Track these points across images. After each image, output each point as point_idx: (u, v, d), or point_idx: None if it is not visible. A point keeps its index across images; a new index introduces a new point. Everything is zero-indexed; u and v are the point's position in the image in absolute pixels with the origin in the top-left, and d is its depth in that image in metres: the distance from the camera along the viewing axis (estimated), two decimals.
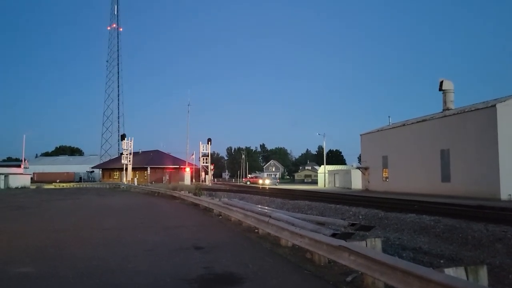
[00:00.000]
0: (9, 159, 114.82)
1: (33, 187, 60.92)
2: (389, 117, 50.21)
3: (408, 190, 36.42)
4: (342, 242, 7.08)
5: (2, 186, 57.57)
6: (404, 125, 43.42)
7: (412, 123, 41.43)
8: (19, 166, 76.15)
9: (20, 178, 62.53)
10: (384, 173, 45.13)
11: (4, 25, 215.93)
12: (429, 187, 34.74)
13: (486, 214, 15.78)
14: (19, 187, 57.89)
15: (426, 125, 38.90)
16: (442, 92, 41.11)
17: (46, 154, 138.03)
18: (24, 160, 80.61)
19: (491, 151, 29.51)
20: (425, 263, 8.83)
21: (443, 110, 40.19)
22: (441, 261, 9.50)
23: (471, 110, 33.09)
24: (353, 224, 10.61)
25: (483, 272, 5.42)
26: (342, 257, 6.86)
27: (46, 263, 8.54)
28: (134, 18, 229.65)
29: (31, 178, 70.79)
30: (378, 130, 49.14)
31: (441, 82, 41.11)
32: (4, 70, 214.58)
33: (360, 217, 17.20)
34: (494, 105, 30.18)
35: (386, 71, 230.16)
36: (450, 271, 5.21)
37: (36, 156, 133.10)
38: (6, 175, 60.64)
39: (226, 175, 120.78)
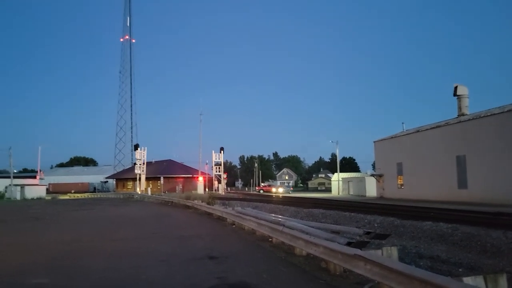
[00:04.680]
0: (25, 170, 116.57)
1: (49, 198, 61.55)
2: (402, 123, 49.87)
3: (423, 197, 35.91)
4: (358, 251, 6.97)
5: (18, 197, 58.34)
6: (418, 131, 42.98)
7: (427, 129, 40.99)
8: (34, 177, 77.28)
9: (35, 189, 63.34)
10: (399, 180, 44.65)
11: (18, 41, 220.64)
12: (446, 194, 34.23)
13: (505, 221, 15.40)
14: (34, 198, 58.50)
15: (441, 131, 38.46)
16: (456, 97, 40.68)
17: (61, 165, 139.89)
18: (40, 171, 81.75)
19: (508, 156, 28.99)
20: (443, 272, 8.64)
21: (458, 115, 39.74)
22: (460, 270, 9.29)
23: (487, 115, 32.62)
24: (368, 233, 10.47)
25: (503, 281, 5.29)
26: (357, 266, 6.75)
27: (61, 274, 8.55)
28: (146, 28, 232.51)
29: (47, 189, 71.76)
30: (392, 137, 48.73)
31: (456, 88, 40.69)
32: (19, 84, 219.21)
33: (376, 225, 16.98)
34: (511, 110, 29.71)
35: (400, 77, 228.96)
36: (469, 280, 5.10)
37: (51, 167, 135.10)
38: (22, 186, 61.51)
39: (239, 183, 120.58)
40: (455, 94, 40.76)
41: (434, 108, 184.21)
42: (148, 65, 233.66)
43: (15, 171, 74.66)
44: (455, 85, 40.96)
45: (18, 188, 60.68)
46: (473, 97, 42.54)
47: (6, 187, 63.10)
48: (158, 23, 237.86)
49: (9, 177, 65.80)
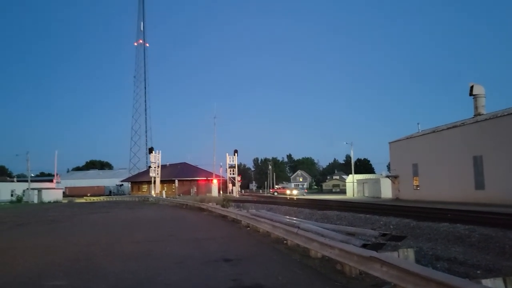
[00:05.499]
0: (42, 174, 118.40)
1: (65, 201, 62.46)
2: (418, 124, 49.24)
3: (440, 198, 35.45)
4: (373, 253, 6.92)
5: (36, 201, 59.32)
6: (434, 132, 42.49)
7: (443, 130, 40.49)
8: (51, 181, 78.51)
9: (52, 193, 64.37)
10: (414, 182, 44.16)
11: (34, 48, 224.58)
12: (462, 195, 33.74)
13: None
14: (51, 201, 59.48)
15: (457, 131, 37.95)
16: (472, 97, 40.09)
17: (77, 169, 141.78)
18: (56, 175, 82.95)
19: None
20: (461, 274, 8.52)
21: (474, 115, 39.16)
22: (478, 272, 9.15)
23: (504, 115, 32.09)
24: (384, 234, 10.37)
25: None
26: (373, 268, 6.70)
27: (78, 276, 8.67)
28: (160, 33, 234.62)
29: (63, 192, 72.88)
30: (407, 138, 48.24)
31: (472, 87, 40.09)
32: (36, 89, 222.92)
33: (391, 227, 16.83)
34: None
35: (414, 77, 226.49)
36: (488, 282, 5.02)
37: (68, 171, 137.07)
38: (40, 190, 62.59)
39: (253, 186, 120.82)
40: (471, 94, 40.16)
41: (449, 109, 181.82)
42: (162, 69, 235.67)
43: (32, 175, 76.01)
44: (470, 84, 40.36)
45: (36, 191, 61.77)
46: (489, 97, 41.79)
47: (24, 191, 64.32)
48: (171, 28, 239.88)
49: (27, 181, 66.94)
